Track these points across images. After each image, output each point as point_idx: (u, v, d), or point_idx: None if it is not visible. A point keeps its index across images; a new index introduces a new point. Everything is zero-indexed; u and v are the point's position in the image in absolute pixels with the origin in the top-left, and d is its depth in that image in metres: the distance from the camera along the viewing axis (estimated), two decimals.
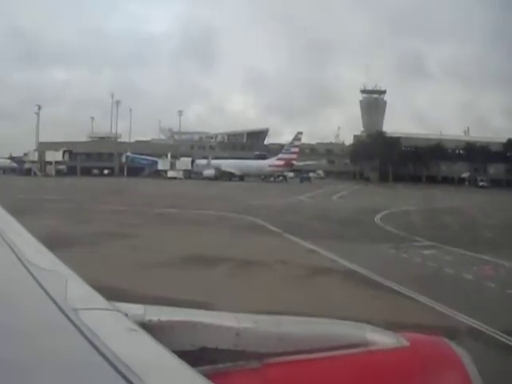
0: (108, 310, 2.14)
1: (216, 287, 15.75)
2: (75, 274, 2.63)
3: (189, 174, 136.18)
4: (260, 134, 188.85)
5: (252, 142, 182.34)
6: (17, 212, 20.44)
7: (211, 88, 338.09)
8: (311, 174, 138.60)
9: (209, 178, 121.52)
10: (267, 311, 9.88)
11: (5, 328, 1.84)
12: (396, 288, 16.33)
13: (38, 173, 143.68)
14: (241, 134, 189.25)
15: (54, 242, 20.59)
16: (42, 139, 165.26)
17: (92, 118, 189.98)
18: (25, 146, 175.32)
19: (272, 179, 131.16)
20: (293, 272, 18.54)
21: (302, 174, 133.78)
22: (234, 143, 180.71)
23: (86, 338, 1.74)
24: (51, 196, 55.14)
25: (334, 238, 26.22)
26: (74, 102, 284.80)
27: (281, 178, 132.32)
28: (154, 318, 2.31)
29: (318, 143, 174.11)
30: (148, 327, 2.15)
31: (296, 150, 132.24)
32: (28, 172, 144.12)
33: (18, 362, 1.61)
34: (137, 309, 2.38)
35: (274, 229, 30.05)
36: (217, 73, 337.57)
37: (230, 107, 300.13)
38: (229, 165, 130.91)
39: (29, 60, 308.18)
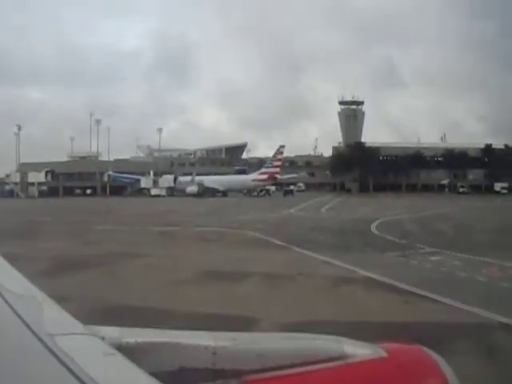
0: (84, 334, 2.16)
1: (252, 301, 15.89)
2: (50, 299, 2.63)
3: (171, 192, 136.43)
4: (238, 149, 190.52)
5: (231, 157, 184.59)
6: (16, 235, 22.26)
7: (186, 104, 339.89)
8: (292, 187, 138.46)
9: (192, 195, 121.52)
10: (316, 321, 10.90)
11: None
12: (421, 293, 16.70)
13: (20, 194, 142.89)
14: (219, 150, 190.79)
15: (67, 265, 21.68)
16: (17, 159, 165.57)
17: (72, 138, 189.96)
18: (3, 167, 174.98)
19: (255, 194, 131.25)
20: (318, 283, 18.77)
21: (285, 188, 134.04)
22: (213, 159, 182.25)
23: (62, 363, 1.76)
24: (43, 218, 54.94)
25: (340, 249, 26.61)
26: (49, 121, 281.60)
27: (263, 192, 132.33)
28: (131, 340, 2.39)
29: (296, 156, 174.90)
30: (125, 350, 2.20)
31: (279, 163, 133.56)
32: (10, 194, 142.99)
33: None
34: (113, 331, 2.44)
35: (278, 242, 30.33)
36: (191, 89, 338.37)
37: (206, 123, 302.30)
38: (212, 181, 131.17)
39: (1, 78, 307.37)
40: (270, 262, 23.55)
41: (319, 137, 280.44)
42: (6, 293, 2.49)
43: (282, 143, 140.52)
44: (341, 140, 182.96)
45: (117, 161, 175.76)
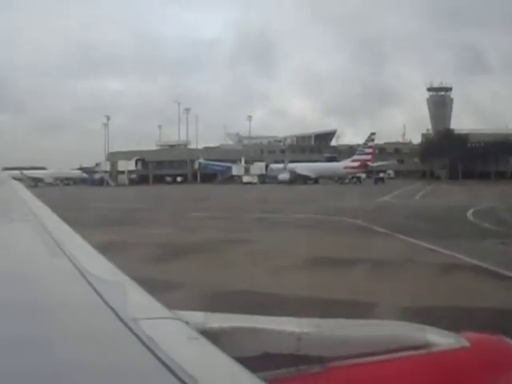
0: (168, 318, 2.16)
1: (376, 288, 15.94)
2: (135, 283, 2.64)
3: (263, 179, 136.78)
4: (327, 136, 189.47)
5: (320, 144, 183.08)
6: (118, 223, 30.23)
7: (271, 92, 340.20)
8: (381, 175, 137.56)
9: (284, 182, 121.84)
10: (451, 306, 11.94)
11: (66, 339, 1.93)
12: None
13: (110, 182, 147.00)
14: (309, 137, 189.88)
15: (176, 251, 23.00)
16: (106, 149, 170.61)
17: (159, 127, 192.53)
18: (91, 157, 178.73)
19: (347, 181, 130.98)
20: (431, 270, 18.78)
21: (376, 175, 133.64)
22: (303, 146, 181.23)
23: (146, 347, 1.78)
24: (139, 205, 56.70)
25: (441, 237, 26.28)
26: (134, 111, 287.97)
27: (355, 179, 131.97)
28: (215, 325, 2.40)
29: (386, 143, 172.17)
30: (209, 335, 2.18)
31: (370, 150, 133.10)
32: (100, 182, 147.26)
33: (81, 372, 1.67)
34: (198, 316, 2.46)
35: (380, 229, 30.47)
36: (276, 76, 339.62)
37: (291, 110, 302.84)
38: (303, 168, 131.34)
39: (86, 70, 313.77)
40: (378, 248, 23.73)
41: (406, 123, 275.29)
42: (91, 278, 2.58)
43: (372, 130, 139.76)
44: (429, 127, 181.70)
45: (206, 148, 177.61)
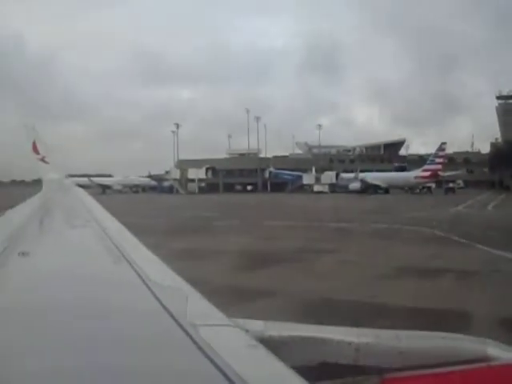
0: (228, 326, 2.20)
1: (467, 298, 16.16)
2: (195, 290, 2.70)
3: (333, 188, 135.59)
4: (397, 146, 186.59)
5: (389, 154, 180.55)
6: (193, 231, 33.37)
7: (336, 101, 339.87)
8: (450, 185, 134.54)
9: (354, 191, 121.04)
10: None
11: (127, 344, 2.01)
12: None
13: (180, 190, 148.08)
14: (378, 146, 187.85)
15: (260, 260, 23.99)
16: (171, 157, 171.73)
17: (229, 136, 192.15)
18: (159, 165, 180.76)
19: (417, 191, 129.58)
20: None
21: (447, 185, 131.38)
22: (372, 155, 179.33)
23: (204, 354, 1.82)
24: (213, 213, 56.61)
25: None
26: (201, 119, 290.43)
27: (425, 189, 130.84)
28: (274, 334, 2.45)
29: (454, 152, 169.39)
30: (268, 343, 2.19)
31: (441, 160, 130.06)
32: (170, 190, 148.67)
33: (140, 377, 1.73)
34: (257, 325, 2.51)
35: (458, 239, 30.47)
36: (341, 86, 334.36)
37: (357, 119, 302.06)
38: (374, 177, 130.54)
39: (155, 79, 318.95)
40: (463, 259, 24.04)
41: (473, 132, 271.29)
42: (152, 285, 2.66)
43: (439, 140, 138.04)
44: (497, 135, 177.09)
45: (275, 157, 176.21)
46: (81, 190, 15.96)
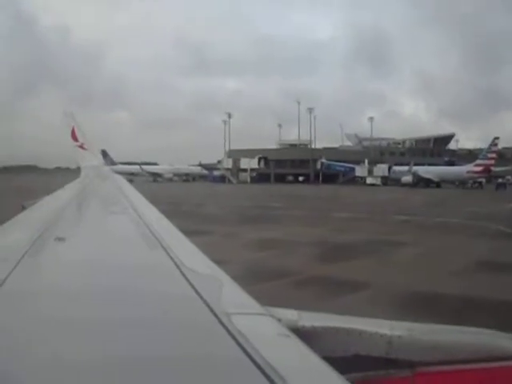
0: (261, 314, 2.19)
1: None
2: (230, 278, 2.72)
3: (385, 181, 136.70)
4: (446, 140, 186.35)
5: (439, 148, 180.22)
6: (266, 220, 36.65)
7: (384, 94, 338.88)
8: (499, 180, 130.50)
9: (406, 185, 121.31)
10: None
11: (161, 330, 2.00)
12: None
13: (232, 180, 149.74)
14: (428, 140, 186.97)
15: (343, 251, 25.77)
16: (218, 146, 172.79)
17: (279, 126, 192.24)
18: (208, 154, 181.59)
19: (469, 185, 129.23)
20: None
21: (498, 181, 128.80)
22: (423, 149, 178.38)
23: (237, 342, 1.82)
24: (277, 204, 57.86)
25: None
26: (249, 109, 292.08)
27: (476, 184, 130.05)
28: (308, 324, 2.48)
29: (504, 148, 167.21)
30: (301, 333, 2.25)
31: (493, 155, 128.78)
32: (222, 179, 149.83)
33: (172, 362, 1.73)
34: (291, 314, 2.53)
35: None
36: (389, 79, 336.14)
37: (405, 112, 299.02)
38: (426, 171, 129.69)
39: (200, 70, 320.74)
40: None
41: None
42: (187, 271, 2.71)
43: (487, 135, 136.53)
44: None
45: (326, 149, 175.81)
46: (119, 176, 15.88)
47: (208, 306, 2.18)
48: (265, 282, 17.09)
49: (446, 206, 58.81)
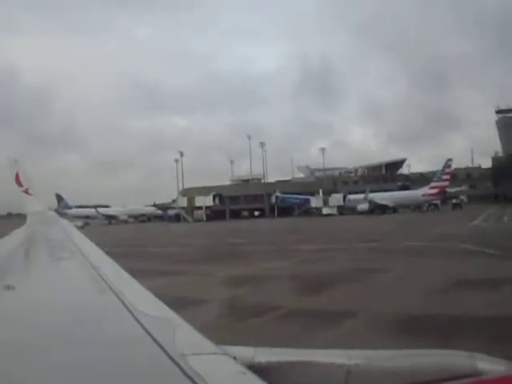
0: (217, 354, 2.20)
1: None
2: (183, 320, 2.71)
3: (341, 210, 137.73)
4: (398, 165, 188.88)
5: (392, 173, 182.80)
6: (234, 257, 35.45)
7: (330, 123, 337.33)
8: (454, 200, 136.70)
9: (363, 212, 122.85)
10: None
11: (116, 375, 1.99)
12: None
13: (188, 218, 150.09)
14: (379, 166, 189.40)
15: (319, 282, 24.48)
16: (172, 185, 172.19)
17: (231, 161, 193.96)
18: (157, 193, 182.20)
19: (425, 208, 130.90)
20: None
21: (453, 201, 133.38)
22: (375, 176, 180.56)
23: (194, 383, 1.81)
24: (239, 240, 57.05)
25: None
26: (198, 146, 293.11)
27: (432, 206, 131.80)
28: (264, 360, 2.44)
29: (456, 168, 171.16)
30: (257, 369, 2.22)
31: (448, 177, 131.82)
32: (177, 218, 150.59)
33: None
34: (246, 351, 2.51)
35: (495, 252, 31.23)
36: (334, 108, 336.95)
37: (354, 140, 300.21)
38: (382, 197, 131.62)
39: (149, 109, 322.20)
40: (504, 269, 24.53)
41: (471, 148, 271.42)
42: (140, 315, 2.67)
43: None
44: (495, 150, 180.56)
45: (279, 182, 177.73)
46: (66, 221, 15.81)
47: (162, 348, 2.17)
48: (255, 318, 16.89)
49: (410, 230, 59.13)
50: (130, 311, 2.81)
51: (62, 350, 2.31)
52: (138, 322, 2.59)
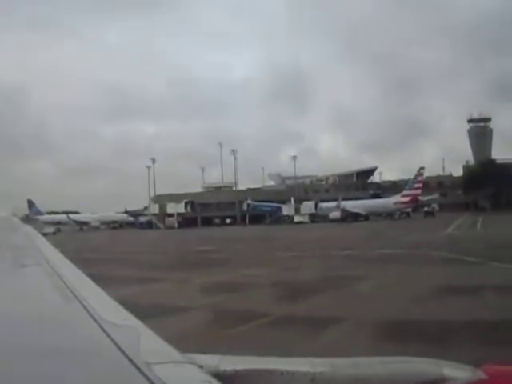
0: (182, 362, 2.17)
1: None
2: (147, 328, 2.66)
3: (313, 218, 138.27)
4: (369, 173, 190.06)
5: (363, 181, 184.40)
6: (210, 264, 35.54)
7: (301, 131, 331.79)
8: (425, 208, 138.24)
9: (335, 220, 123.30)
10: None
11: None
12: None
13: (159, 225, 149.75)
14: (351, 175, 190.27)
15: (297, 290, 24.34)
16: (143, 192, 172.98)
17: (202, 169, 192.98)
18: (128, 200, 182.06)
19: (397, 216, 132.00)
20: None
21: (425, 209, 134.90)
22: (346, 184, 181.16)
23: None
24: (213, 247, 56.73)
25: None
26: (166, 153, 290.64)
27: (404, 214, 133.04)
28: (229, 368, 2.39)
29: (427, 177, 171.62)
30: (223, 378, 2.22)
31: (420, 185, 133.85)
32: (149, 225, 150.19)
33: None
34: (211, 359, 2.44)
35: (470, 259, 31.25)
36: (304, 116, 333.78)
37: (324, 148, 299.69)
38: (354, 205, 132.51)
39: (120, 115, 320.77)
40: (486, 276, 25.06)
41: (442, 156, 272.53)
42: (104, 323, 2.62)
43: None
44: (465, 158, 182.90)
45: (250, 190, 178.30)
46: (30, 227, 15.41)
47: (127, 356, 2.12)
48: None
49: (384, 238, 59.38)
50: (94, 319, 2.72)
51: (21, 360, 2.19)
52: (103, 330, 2.51)
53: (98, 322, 2.65)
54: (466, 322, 15.95)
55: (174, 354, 2.26)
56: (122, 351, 2.17)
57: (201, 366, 2.21)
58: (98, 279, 4.10)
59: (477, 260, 30.73)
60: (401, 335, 14.75)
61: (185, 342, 2.58)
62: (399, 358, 2.72)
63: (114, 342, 2.30)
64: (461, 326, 15.55)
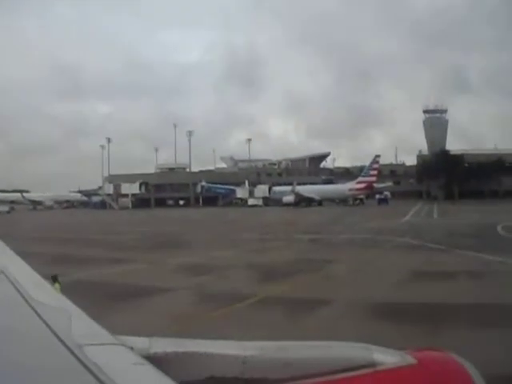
0: (113, 344, 2.20)
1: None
2: (80, 309, 2.68)
3: (266, 201, 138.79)
4: (322, 159, 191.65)
5: (315, 167, 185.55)
6: (173, 245, 36.13)
7: (254, 115, 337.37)
8: (377, 196, 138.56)
9: (288, 204, 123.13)
10: None
11: (10, 367, 1.92)
12: None
13: (114, 205, 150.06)
14: (303, 160, 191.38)
15: (273, 272, 24.30)
16: (97, 172, 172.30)
17: (156, 150, 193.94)
18: (80, 179, 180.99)
19: (350, 203, 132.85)
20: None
21: (377, 196, 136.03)
22: (299, 169, 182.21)
23: (91, 373, 1.79)
24: (175, 228, 57.58)
25: (495, 250, 27.96)
26: (119, 133, 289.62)
27: (358, 201, 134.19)
28: (160, 350, 2.44)
29: (381, 165, 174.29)
30: (154, 360, 2.25)
31: (375, 172, 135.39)
32: (103, 205, 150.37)
33: None
34: (142, 342, 2.49)
35: (434, 246, 31.72)
36: (258, 100, 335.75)
37: (276, 133, 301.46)
38: (308, 190, 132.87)
39: (70, 93, 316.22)
40: (457, 262, 25.22)
41: (393, 146, 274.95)
42: (36, 305, 2.61)
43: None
44: (420, 148, 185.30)
45: (202, 172, 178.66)
46: None
47: (59, 338, 2.14)
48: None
49: (344, 223, 59.70)
50: (25, 300, 2.73)
51: None
52: (35, 311, 2.52)
53: (29, 304, 2.66)
54: (455, 304, 16.13)
55: (106, 335, 2.31)
56: (54, 333, 2.20)
57: (132, 348, 2.27)
58: (37, 258, 4.11)
59: (441, 247, 31.15)
60: (387, 316, 14.90)
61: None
62: (329, 343, 2.78)
63: (46, 324, 2.33)
64: (452, 307, 15.72)
